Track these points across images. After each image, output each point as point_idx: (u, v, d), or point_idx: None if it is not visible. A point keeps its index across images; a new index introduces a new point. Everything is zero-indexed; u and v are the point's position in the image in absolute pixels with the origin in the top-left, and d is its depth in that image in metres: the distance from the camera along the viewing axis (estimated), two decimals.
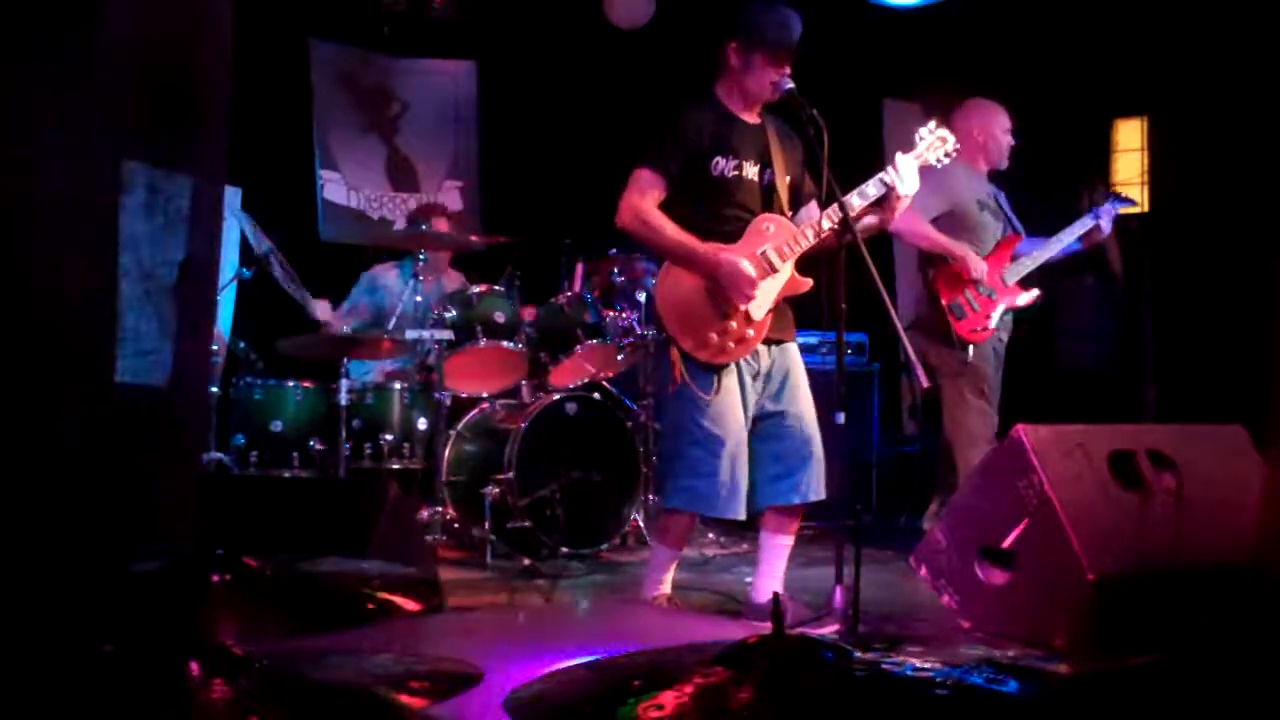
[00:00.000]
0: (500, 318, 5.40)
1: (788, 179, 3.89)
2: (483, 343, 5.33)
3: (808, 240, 3.74)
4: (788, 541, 3.91)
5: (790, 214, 3.91)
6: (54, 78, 2.10)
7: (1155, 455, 3.35)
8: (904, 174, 3.70)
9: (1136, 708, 2.49)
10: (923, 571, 3.52)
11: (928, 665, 2.05)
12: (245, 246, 5.65)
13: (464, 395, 5.62)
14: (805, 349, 6.42)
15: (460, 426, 5.46)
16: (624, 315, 5.61)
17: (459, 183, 7.53)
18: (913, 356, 3.83)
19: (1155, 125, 7.38)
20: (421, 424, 5.50)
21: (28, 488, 2.04)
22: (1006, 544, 3.24)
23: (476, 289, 5.46)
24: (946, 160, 3.89)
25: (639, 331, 5.52)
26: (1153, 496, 3.27)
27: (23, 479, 2.03)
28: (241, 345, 5.57)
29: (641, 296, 5.66)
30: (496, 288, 5.52)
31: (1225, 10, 6.39)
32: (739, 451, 3.72)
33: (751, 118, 3.89)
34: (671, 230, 3.72)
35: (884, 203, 3.74)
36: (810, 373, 6.35)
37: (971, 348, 4.82)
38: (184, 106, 2.34)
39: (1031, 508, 3.18)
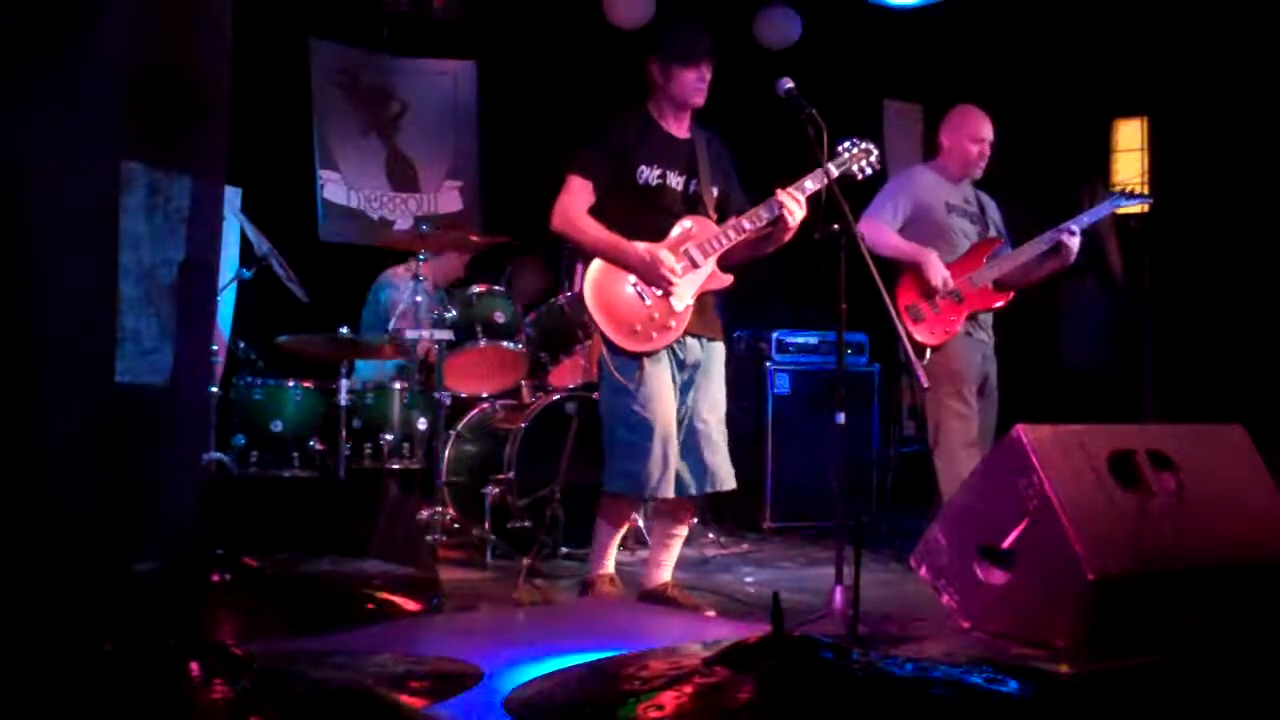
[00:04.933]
0: (500, 318, 5.40)
1: (714, 190, 4.12)
2: (483, 343, 5.33)
3: (729, 239, 3.98)
4: (683, 532, 4.20)
5: (716, 219, 4.10)
6: (54, 78, 2.10)
7: (1155, 455, 3.34)
8: (789, 206, 3.92)
9: (1136, 708, 2.49)
10: (923, 571, 3.51)
11: (928, 665, 2.06)
12: (245, 246, 5.64)
13: (464, 395, 5.61)
14: (805, 349, 6.54)
15: (460, 426, 5.45)
16: None
17: (459, 183, 7.52)
18: (913, 356, 3.84)
19: (1155, 125, 7.38)
20: (421, 424, 5.49)
21: (28, 487, 2.04)
22: (1006, 544, 3.24)
23: (476, 289, 5.45)
24: (870, 171, 4.11)
25: None
26: (1153, 496, 3.27)
27: (23, 479, 2.03)
28: (241, 345, 5.56)
29: None
30: (496, 288, 5.51)
31: (1225, 10, 6.40)
32: (669, 435, 3.92)
33: (680, 131, 4.13)
34: (598, 230, 3.98)
35: (777, 225, 3.97)
36: (811, 373, 6.48)
37: (928, 351, 4.81)
38: (184, 106, 2.34)
39: (1031, 508, 3.18)
